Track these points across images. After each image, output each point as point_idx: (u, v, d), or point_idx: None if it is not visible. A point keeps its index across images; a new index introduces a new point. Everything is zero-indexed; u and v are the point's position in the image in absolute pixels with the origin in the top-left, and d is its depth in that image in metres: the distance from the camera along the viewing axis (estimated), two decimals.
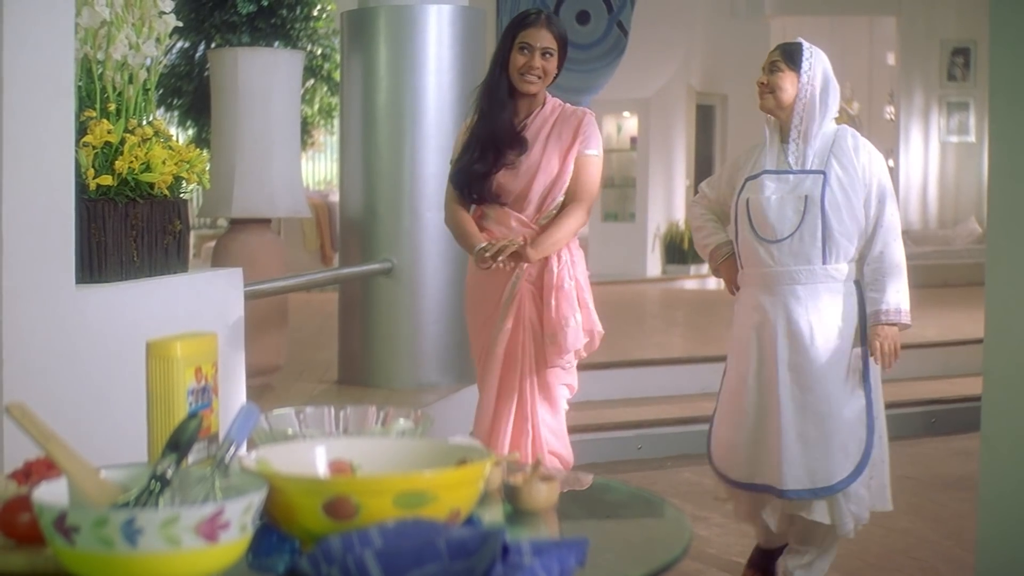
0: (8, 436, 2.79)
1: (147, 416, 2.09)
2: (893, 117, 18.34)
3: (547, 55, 4.18)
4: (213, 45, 12.68)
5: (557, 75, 4.30)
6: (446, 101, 6.89)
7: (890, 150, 19.14)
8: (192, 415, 1.90)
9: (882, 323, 4.24)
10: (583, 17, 10.22)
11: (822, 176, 4.22)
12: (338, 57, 11.68)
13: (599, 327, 4.37)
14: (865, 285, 4.29)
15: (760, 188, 4.29)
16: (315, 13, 13.61)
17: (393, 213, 6.95)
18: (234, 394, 3.87)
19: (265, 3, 12.39)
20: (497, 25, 8.92)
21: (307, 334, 9.41)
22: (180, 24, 3.69)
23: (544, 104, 4.31)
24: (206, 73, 11.17)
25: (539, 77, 4.20)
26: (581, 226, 4.31)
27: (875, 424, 4.31)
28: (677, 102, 15.67)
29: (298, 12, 12.93)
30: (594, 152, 4.30)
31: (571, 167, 4.26)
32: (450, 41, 6.95)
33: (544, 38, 4.17)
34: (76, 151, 3.18)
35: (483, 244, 4.18)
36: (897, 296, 4.24)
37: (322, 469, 1.93)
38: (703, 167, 16.07)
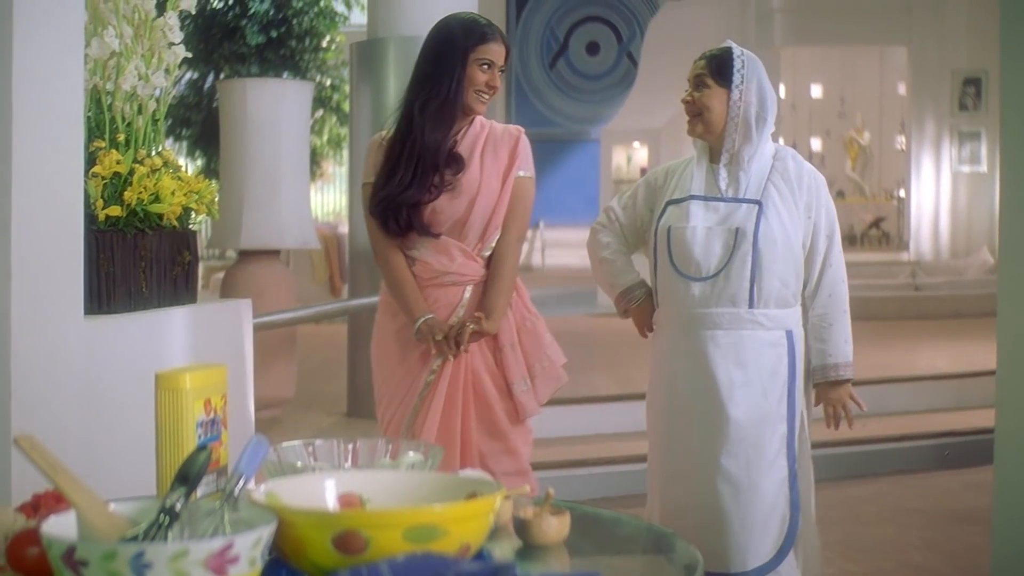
0: (16, 468, 2.77)
1: (156, 448, 2.08)
2: (904, 147, 18.35)
3: (501, 71, 3.74)
4: (222, 76, 12.73)
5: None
6: None
7: (901, 180, 19.16)
8: (201, 447, 1.88)
9: (831, 380, 3.70)
10: (593, 48, 10.25)
11: (757, 207, 3.59)
12: (347, 88, 11.71)
13: (563, 358, 3.86)
14: (809, 332, 3.70)
15: (685, 216, 3.64)
16: (324, 44, 13.69)
17: None
18: (243, 426, 3.86)
19: (274, 34, 12.46)
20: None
21: (316, 366, 9.38)
22: (189, 55, 3.69)
23: (471, 121, 3.78)
24: (215, 104, 11.22)
25: (490, 95, 3.75)
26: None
27: (799, 500, 3.63)
28: (685, 133, 15.66)
29: (307, 43, 13.00)
30: (531, 175, 3.79)
31: (509, 191, 3.74)
32: None
33: (502, 54, 3.73)
34: (85, 181, 3.17)
35: (427, 316, 3.66)
36: (846, 347, 3.70)
37: (332, 503, 1.92)
38: None
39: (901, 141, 19.29)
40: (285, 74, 12.61)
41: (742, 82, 3.59)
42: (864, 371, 9.01)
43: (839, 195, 21.07)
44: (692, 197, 3.64)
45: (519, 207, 3.76)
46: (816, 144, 21.47)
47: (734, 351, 3.59)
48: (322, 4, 13.65)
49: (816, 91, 21.44)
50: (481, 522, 1.77)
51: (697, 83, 3.63)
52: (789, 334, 3.63)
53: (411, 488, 1.94)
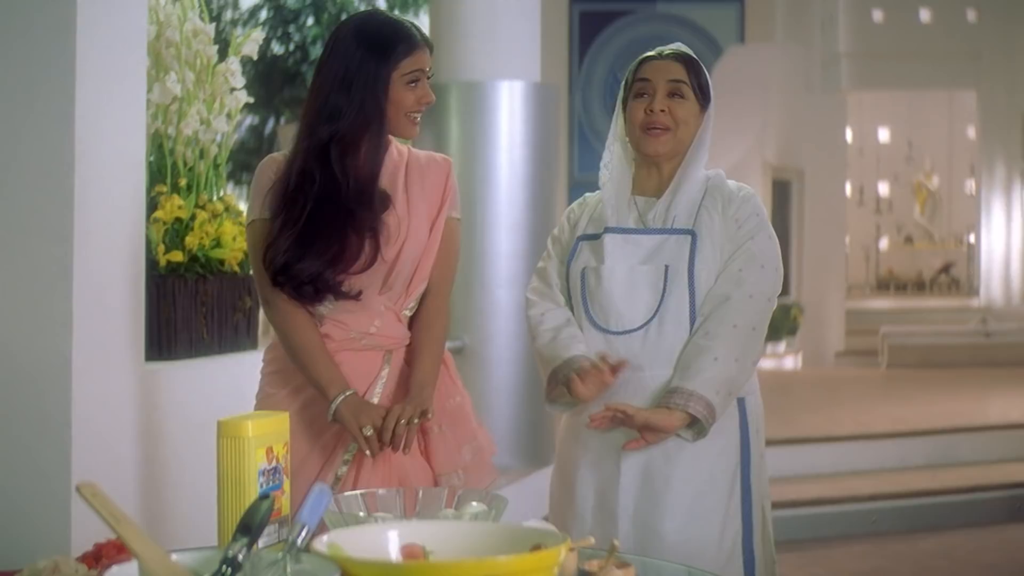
0: (77, 516, 2.75)
1: (217, 497, 2.05)
2: (974, 192, 18.17)
3: (428, 77, 2.89)
4: (283, 121, 12.86)
5: None
6: (518, 178, 6.87)
7: (971, 225, 18.95)
8: (263, 496, 1.85)
9: (677, 407, 2.71)
10: None
11: (690, 237, 2.81)
12: None
13: (494, 446, 3.07)
14: (687, 347, 2.80)
15: (601, 253, 2.85)
16: None
17: (464, 291, 6.91)
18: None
19: None
20: (569, 102, 8.93)
21: None
22: (251, 100, 3.70)
23: (387, 147, 2.91)
24: (276, 149, 11.34)
25: (423, 112, 2.93)
26: None
27: None
28: (752, 177, 15.58)
29: None
30: (458, 216, 2.99)
31: (439, 235, 2.91)
32: (522, 118, 6.94)
33: (428, 58, 2.86)
34: (146, 226, 3.17)
35: (347, 393, 2.75)
36: (712, 378, 2.73)
37: (394, 554, 1.88)
38: (779, 243, 15.97)
39: (970, 185, 19.10)
40: None
41: (712, 104, 2.91)
42: (933, 420, 8.91)
43: (907, 240, 20.88)
44: (608, 230, 2.87)
45: (450, 256, 2.95)
46: (884, 189, 21.31)
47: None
48: None
49: (883, 135, 21.30)
50: (545, 574, 1.73)
51: (672, 90, 2.84)
52: (740, 403, 2.86)
53: (474, 539, 1.90)
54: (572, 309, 2.90)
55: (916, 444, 8.08)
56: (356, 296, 2.79)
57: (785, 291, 13.28)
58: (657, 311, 2.79)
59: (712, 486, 2.80)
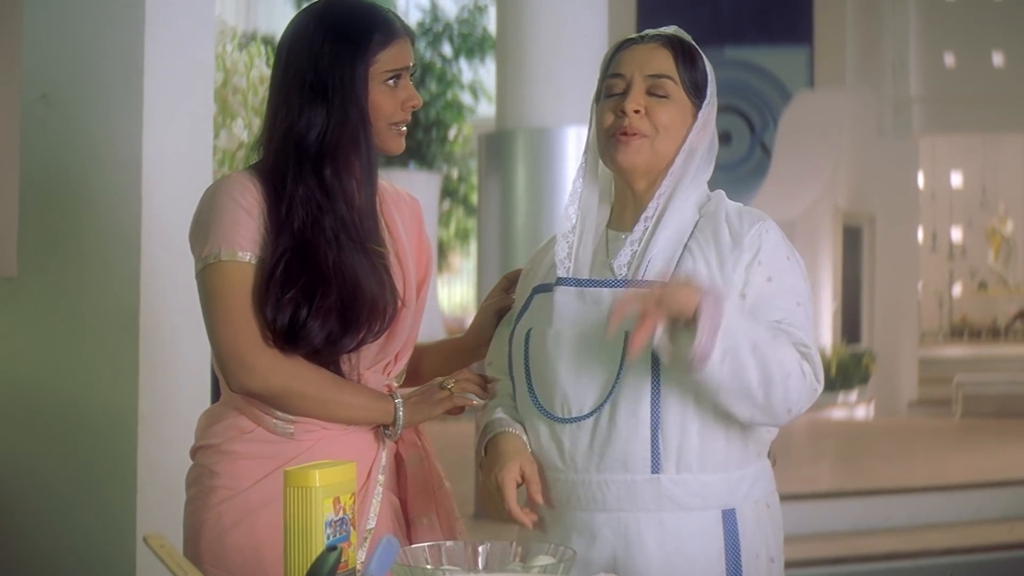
0: (143, 566, 2.73)
1: (284, 548, 2.02)
2: None
3: (412, 75, 2.32)
4: None
5: None
6: None
7: None
8: (331, 548, 1.81)
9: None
10: (724, 137, 10.16)
11: None
12: (474, 179, 11.81)
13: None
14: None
15: (547, 313, 2.13)
16: (451, 135, 13.83)
17: None
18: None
19: None
20: None
21: (443, 466, 9.30)
22: None
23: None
24: None
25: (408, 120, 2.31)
26: None
27: None
28: (823, 223, 15.48)
29: (434, 134, 13.15)
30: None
31: (428, 284, 2.40)
32: None
33: (410, 49, 2.28)
34: None
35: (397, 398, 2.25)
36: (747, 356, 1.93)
37: None
38: (850, 290, 15.80)
39: None
40: (412, 164, 12.73)
41: (712, 96, 2.17)
42: (1011, 471, 8.71)
43: (981, 287, 20.60)
44: (560, 281, 2.13)
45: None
46: (957, 234, 21.07)
47: (633, 552, 2.05)
48: (449, 97, 13.82)
49: (956, 180, 21.09)
50: None
51: (653, 87, 2.10)
52: (727, 516, 2.07)
53: None
54: (515, 389, 2.18)
55: (993, 496, 7.91)
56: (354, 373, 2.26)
57: (856, 339, 13.18)
58: (611, 394, 2.03)
59: None
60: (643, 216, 2.11)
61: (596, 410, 2.04)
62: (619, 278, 2.08)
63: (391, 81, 2.23)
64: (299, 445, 2.23)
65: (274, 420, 2.23)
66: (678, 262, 2.07)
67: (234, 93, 3.44)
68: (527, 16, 7.01)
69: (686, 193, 2.12)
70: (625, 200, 2.17)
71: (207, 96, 3.04)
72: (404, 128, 2.27)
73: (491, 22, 13.80)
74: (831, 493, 8.01)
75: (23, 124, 3.12)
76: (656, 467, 2.03)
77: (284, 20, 2.23)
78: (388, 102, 2.23)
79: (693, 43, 2.16)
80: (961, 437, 11.05)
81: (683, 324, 1.91)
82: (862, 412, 12.85)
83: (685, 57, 2.13)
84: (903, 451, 10.13)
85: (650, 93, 2.10)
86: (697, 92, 2.13)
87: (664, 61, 2.11)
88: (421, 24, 14.68)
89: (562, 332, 2.08)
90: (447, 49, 14.62)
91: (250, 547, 2.20)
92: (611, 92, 2.13)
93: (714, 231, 2.09)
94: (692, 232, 2.10)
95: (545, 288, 2.16)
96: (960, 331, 20.12)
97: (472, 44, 14.83)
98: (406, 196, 2.40)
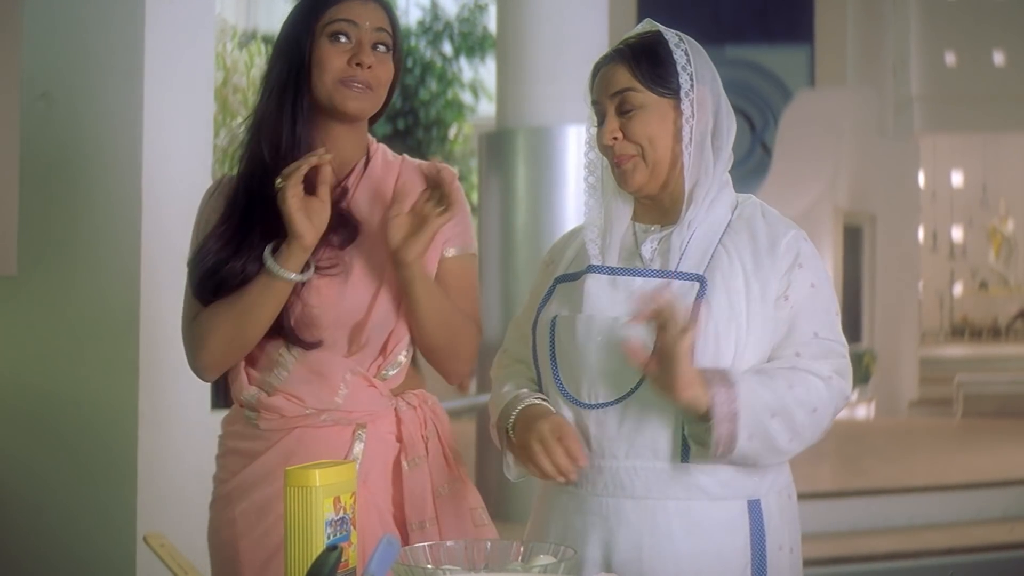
0: (142, 566, 2.73)
1: (284, 548, 2.02)
2: None
3: (379, 46, 2.20)
4: None
5: (389, 99, 2.28)
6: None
7: None
8: (331, 547, 1.81)
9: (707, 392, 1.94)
10: None
11: (697, 285, 2.05)
12: (475, 179, 11.82)
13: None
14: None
15: (579, 299, 2.13)
16: (451, 135, 13.83)
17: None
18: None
19: (401, 125, 12.63)
20: None
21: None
22: None
23: (369, 153, 2.30)
24: None
25: (369, 87, 2.19)
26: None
27: None
28: (823, 222, 15.49)
29: (434, 133, 13.15)
30: (461, 252, 2.36)
31: (432, 276, 2.27)
32: None
33: (373, 14, 2.20)
34: None
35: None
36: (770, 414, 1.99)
37: None
38: (850, 289, 15.81)
39: None
40: None
41: (693, 86, 2.08)
42: (1011, 471, 8.71)
43: (981, 286, 20.59)
44: (591, 269, 2.14)
45: (463, 294, 2.31)
46: (957, 234, 21.07)
47: (658, 538, 2.06)
48: (450, 95, 13.82)
49: (957, 179, 21.09)
50: None
51: (621, 103, 2.08)
52: (753, 507, 2.09)
53: None
54: (539, 376, 2.18)
55: (993, 496, 7.91)
56: (315, 344, 2.19)
57: (857, 338, 13.17)
58: (641, 381, 2.02)
59: None
60: (671, 210, 2.13)
61: (625, 396, 2.06)
62: (652, 268, 2.11)
63: (335, 36, 2.17)
64: (268, 439, 2.24)
65: (247, 412, 2.25)
66: (711, 258, 2.08)
67: (234, 92, 3.44)
68: (527, 15, 7.01)
69: (711, 177, 2.12)
70: (647, 204, 2.18)
71: (207, 95, 3.04)
72: (356, 86, 2.18)
73: (491, 21, 13.78)
74: (831, 493, 8.01)
75: (23, 124, 3.12)
76: (685, 455, 2.04)
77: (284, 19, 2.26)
78: (333, 57, 2.17)
79: (659, 34, 2.12)
80: (962, 437, 11.05)
81: (697, 418, 1.97)
82: (863, 412, 12.85)
83: (642, 59, 2.09)
84: (903, 451, 10.13)
85: (619, 112, 2.08)
86: (667, 84, 2.08)
87: (621, 76, 2.09)
88: (421, 23, 14.67)
89: (593, 318, 2.09)
90: (447, 48, 14.61)
91: (229, 541, 2.24)
92: (598, 119, 2.14)
93: (751, 234, 2.11)
94: (726, 230, 2.12)
95: (570, 277, 2.17)
96: (961, 331, 20.12)
97: (472, 43, 14.82)
98: (436, 166, 2.18)
